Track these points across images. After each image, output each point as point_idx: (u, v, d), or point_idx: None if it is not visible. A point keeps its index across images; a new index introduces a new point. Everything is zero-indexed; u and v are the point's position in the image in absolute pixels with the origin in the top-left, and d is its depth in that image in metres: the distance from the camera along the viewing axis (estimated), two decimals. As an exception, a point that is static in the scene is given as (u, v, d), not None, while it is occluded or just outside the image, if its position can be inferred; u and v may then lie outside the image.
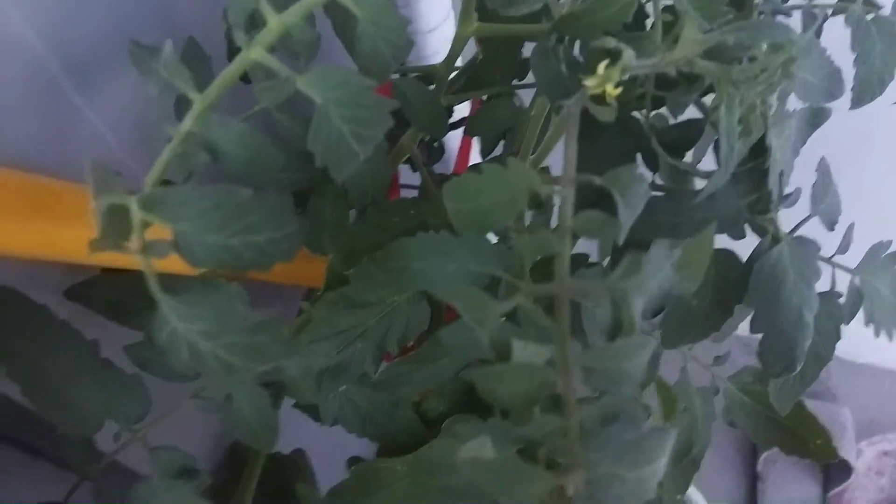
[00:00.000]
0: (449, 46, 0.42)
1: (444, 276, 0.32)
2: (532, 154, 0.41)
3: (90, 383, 0.33)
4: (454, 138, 0.65)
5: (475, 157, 0.63)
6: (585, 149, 0.33)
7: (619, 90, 0.27)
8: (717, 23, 0.32)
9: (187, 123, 0.22)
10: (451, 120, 0.56)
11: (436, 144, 0.62)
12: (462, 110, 0.59)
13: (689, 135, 0.32)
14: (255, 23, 0.24)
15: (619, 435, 0.21)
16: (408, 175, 0.58)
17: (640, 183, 0.25)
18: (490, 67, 0.47)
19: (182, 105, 0.41)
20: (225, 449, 0.55)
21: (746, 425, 0.58)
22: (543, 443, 0.20)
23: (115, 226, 0.23)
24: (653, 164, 0.34)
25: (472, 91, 0.49)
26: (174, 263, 0.24)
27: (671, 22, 0.33)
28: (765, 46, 0.31)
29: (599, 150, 0.33)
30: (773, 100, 0.30)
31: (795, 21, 0.41)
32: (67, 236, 0.28)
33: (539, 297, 0.22)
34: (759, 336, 0.35)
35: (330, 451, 0.49)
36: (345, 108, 0.24)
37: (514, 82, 0.48)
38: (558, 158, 0.37)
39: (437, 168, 0.67)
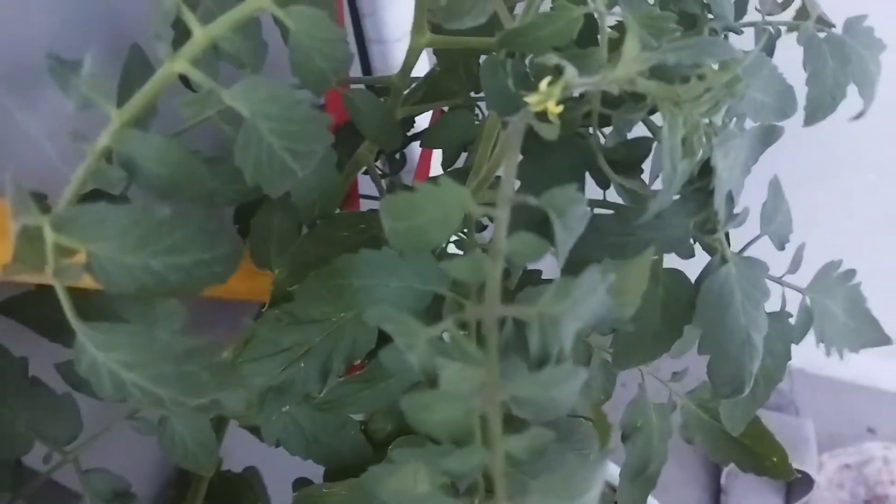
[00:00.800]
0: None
1: (387, 293, 0.32)
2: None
3: (18, 403, 0.31)
4: (417, 149, 0.64)
5: (437, 168, 0.62)
6: (532, 167, 0.33)
7: (561, 108, 0.27)
8: (664, 40, 0.32)
9: (103, 139, 0.21)
10: (413, 131, 0.55)
11: (397, 156, 0.62)
12: (425, 121, 0.59)
13: (637, 153, 0.32)
14: (183, 33, 0.23)
15: (549, 467, 0.20)
16: (370, 185, 0.58)
17: (578, 204, 0.25)
18: (447, 79, 0.47)
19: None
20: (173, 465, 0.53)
21: (704, 442, 0.58)
22: (469, 475, 0.20)
23: (31, 247, 0.22)
24: (602, 183, 0.34)
25: (429, 103, 0.48)
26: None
27: (619, 38, 0.33)
28: (713, 65, 0.31)
29: (546, 168, 0.33)
30: (720, 119, 0.30)
31: (749, 38, 0.42)
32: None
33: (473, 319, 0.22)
34: (710, 356, 0.35)
35: (287, 467, 0.48)
36: (274, 123, 0.23)
37: (472, 94, 0.47)
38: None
39: (402, 178, 0.66)
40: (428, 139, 0.48)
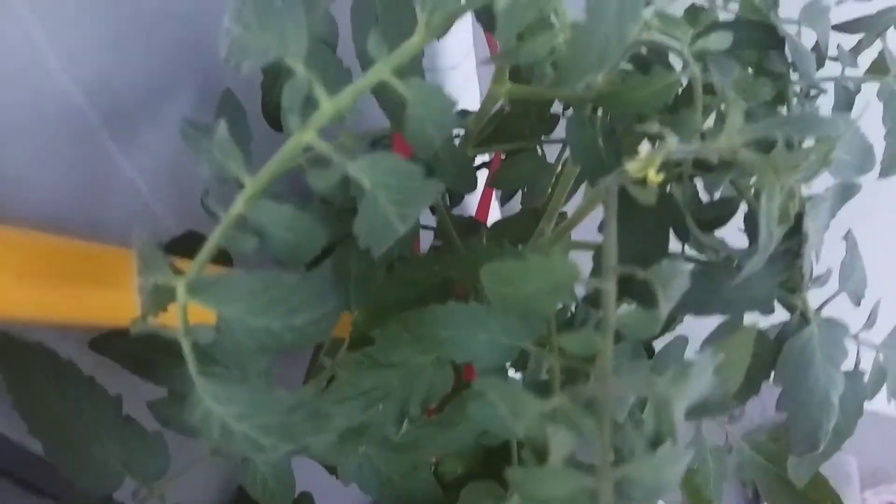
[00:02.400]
0: (470, 82, 0.42)
1: (474, 346, 0.32)
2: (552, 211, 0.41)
3: (112, 441, 0.33)
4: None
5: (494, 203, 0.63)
6: (618, 223, 0.33)
7: (662, 176, 0.27)
8: (756, 102, 0.33)
9: (237, 206, 0.22)
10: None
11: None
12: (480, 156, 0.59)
13: (724, 213, 0.32)
14: (306, 103, 0.24)
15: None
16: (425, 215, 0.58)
17: (682, 276, 0.25)
18: (517, 121, 0.47)
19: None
20: (235, 489, 0.54)
21: (758, 484, 0.57)
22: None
23: (158, 304, 0.23)
24: (683, 236, 0.34)
25: (498, 143, 0.49)
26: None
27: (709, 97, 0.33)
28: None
29: (633, 226, 0.33)
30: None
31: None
32: (102, 301, 0.28)
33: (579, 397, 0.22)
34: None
35: (336, 493, 0.48)
36: (392, 193, 0.24)
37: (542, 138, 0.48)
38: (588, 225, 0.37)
39: (456, 210, 0.67)
40: (498, 181, 0.49)
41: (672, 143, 0.27)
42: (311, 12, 0.41)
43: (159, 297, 0.23)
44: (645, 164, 0.27)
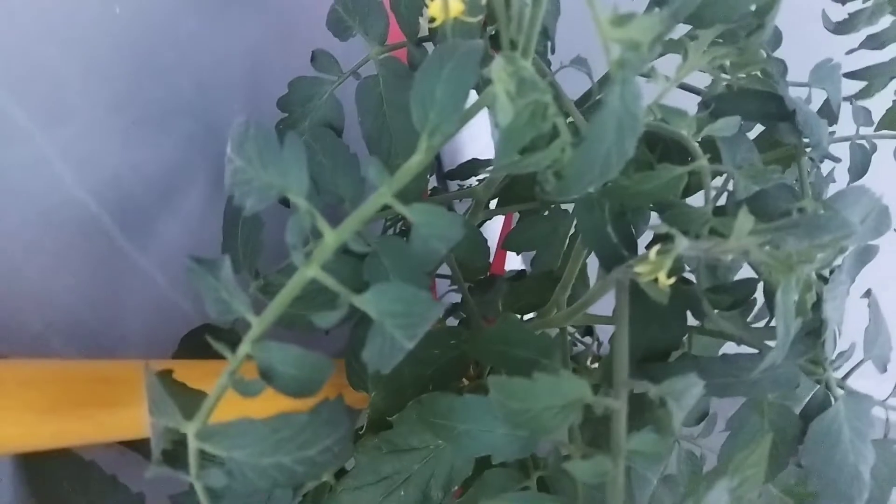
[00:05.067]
0: (482, 129, 0.42)
1: (491, 439, 0.32)
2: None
3: (136, 541, 0.33)
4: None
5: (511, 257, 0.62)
6: (633, 310, 0.33)
7: (673, 280, 0.27)
8: (766, 183, 0.32)
9: (244, 347, 0.22)
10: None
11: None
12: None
13: (741, 296, 0.32)
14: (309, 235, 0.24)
15: None
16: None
17: (696, 388, 0.25)
18: (527, 185, 0.47)
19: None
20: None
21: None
22: None
23: (169, 441, 0.23)
24: (700, 317, 0.34)
25: (510, 205, 0.49)
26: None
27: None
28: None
29: (648, 310, 0.33)
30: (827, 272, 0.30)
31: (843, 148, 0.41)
32: (122, 421, 0.29)
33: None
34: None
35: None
36: (399, 319, 0.24)
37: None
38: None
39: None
40: (510, 242, 0.48)
41: (682, 244, 0.27)
42: (316, 98, 0.41)
43: (171, 438, 0.23)
44: (655, 266, 0.27)
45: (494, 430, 0.32)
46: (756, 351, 0.34)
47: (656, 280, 0.28)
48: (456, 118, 0.25)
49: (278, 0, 0.47)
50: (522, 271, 0.59)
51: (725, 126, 0.31)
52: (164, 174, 0.40)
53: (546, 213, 0.52)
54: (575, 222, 0.49)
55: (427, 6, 0.27)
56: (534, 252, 0.55)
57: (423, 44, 0.42)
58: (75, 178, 0.33)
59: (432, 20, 0.27)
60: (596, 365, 0.65)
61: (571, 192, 0.26)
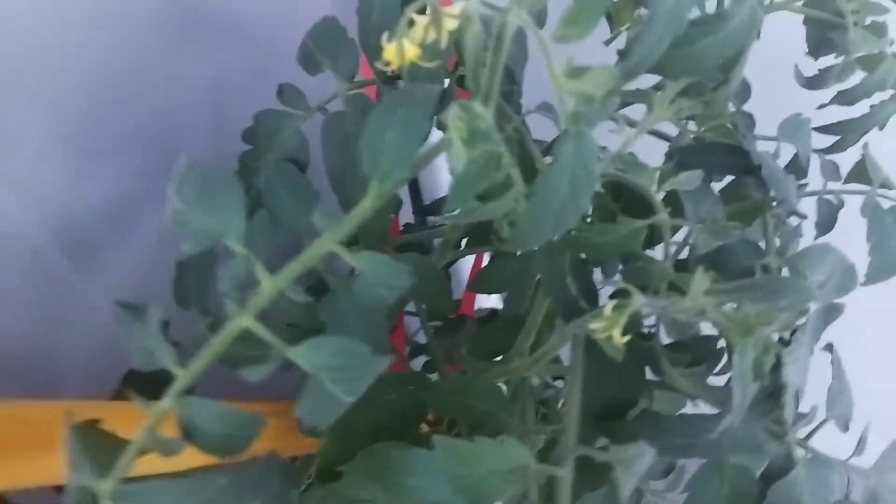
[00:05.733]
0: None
1: (441, 496, 0.31)
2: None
3: None
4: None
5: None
6: (590, 363, 0.32)
7: (628, 338, 0.26)
8: (728, 239, 0.32)
9: (164, 402, 0.21)
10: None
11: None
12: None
13: (702, 353, 0.31)
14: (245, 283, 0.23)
15: None
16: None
17: (646, 456, 0.24)
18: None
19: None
20: None
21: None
22: None
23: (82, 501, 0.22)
24: (659, 373, 0.33)
25: (479, 246, 0.48)
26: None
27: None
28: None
29: (605, 366, 0.32)
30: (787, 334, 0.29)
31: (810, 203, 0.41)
32: (47, 466, 0.27)
33: None
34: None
35: None
36: (337, 373, 0.23)
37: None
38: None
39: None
40: (478, 284, 0.47)
41: (638, 300, 0.26)
42: (282, 132, 0.41)
43: (85, 498, 0.21)
44: (610, 323, 0.26)
45: (443, 487, 0.31)
46: (716, 411, 0.33)
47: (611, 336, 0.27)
48: (407, 164, 0.24)
49: (250, 31, 0.46)
50: (495, 311, 0.58)
51: (687, 180, 0.30)
52: (119, 205, 0.38)
53: (517, 253, 0.51)
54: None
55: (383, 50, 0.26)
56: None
57: (393, 82, 0.41)
58: (21, 210, 0.32)
59: (387, 63, 0.26)
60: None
61: (526, 244, 0.25)
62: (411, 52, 0.25)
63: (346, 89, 0.40)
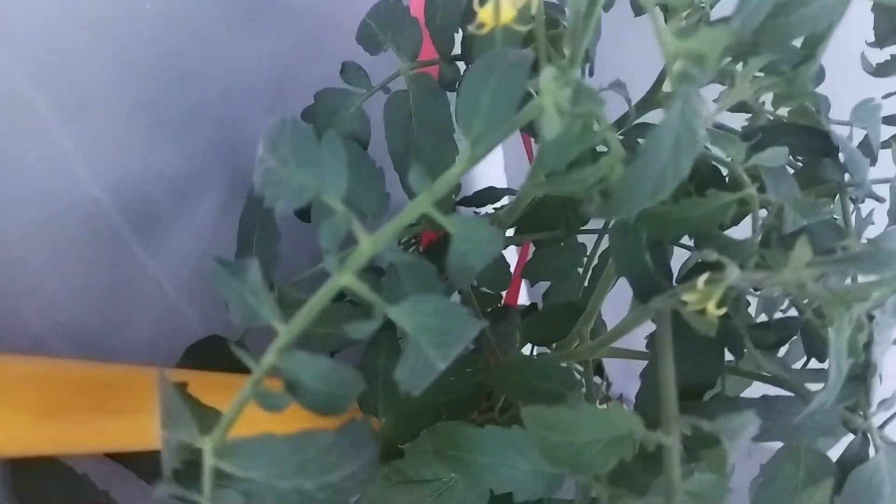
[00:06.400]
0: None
1: (515, 475, 0.30)
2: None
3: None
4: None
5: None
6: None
7: (724, 310, 0.25)
8: (814, 217, 0.31)
9: (270, 357, 0.21)
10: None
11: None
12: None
13: (784, 335, 0.30)
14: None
15: None
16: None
17: (752, 426, 0.23)
18: (552, 212, 0.46)
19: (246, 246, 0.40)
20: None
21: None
22: None
23: (182, 457, 0.22)
24: (738, 353, 0.32)
25: (530, 233, 0.47)
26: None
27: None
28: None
29: (685, 343, 0.31)
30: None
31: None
32: (125, 429, 0.27)
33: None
34: None
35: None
36: (435, 336, 0.22)
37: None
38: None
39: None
40: (529, 272, 0.47)
41: (733, 273, 0.25)
42: (342, 111, 0.40)
43: (184, 453, 0.21)
44: (704, 296, 0.25)
45: (518, 465, 0.30)
46: (790, 394, 0.32)
47: (703, 311, 0.26)
48: (502, 128, 0.24)
49: (308, 12, 0.46)
50: (534, 304, 0.58)
51: (774, 156, 0.30)
52: (181, 179, 0.38)
53: (562, 243, 0.50)
54: (598, 251, 0.48)
55: (475, 12, 0.26)
56: (540, 285, 0.54)
57: (455, 62, 0.41)
58: (91, 175, 0.32)
59: (481, 26, 0.25)
60: (605, 406, 0.63)
61: (620, 212, 0.24)
62: (508, 13, 0.25)
63: (409, 68, 0.40)
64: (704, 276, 0.26)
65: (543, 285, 0.53)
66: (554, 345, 0.45)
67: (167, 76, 0.36)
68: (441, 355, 0.23)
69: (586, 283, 0.47)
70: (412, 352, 0.22)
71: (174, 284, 0.39)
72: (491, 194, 0.53)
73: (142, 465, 0.35)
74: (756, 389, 0.35)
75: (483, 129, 0.24)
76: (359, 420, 0.23)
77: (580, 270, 0.50)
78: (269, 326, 0.30)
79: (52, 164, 0.30)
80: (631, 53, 0.48)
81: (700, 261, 0.28)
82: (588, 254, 0.47)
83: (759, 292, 0.30)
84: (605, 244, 0.46)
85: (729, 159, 0.30)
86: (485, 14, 0.25)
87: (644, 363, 0.32)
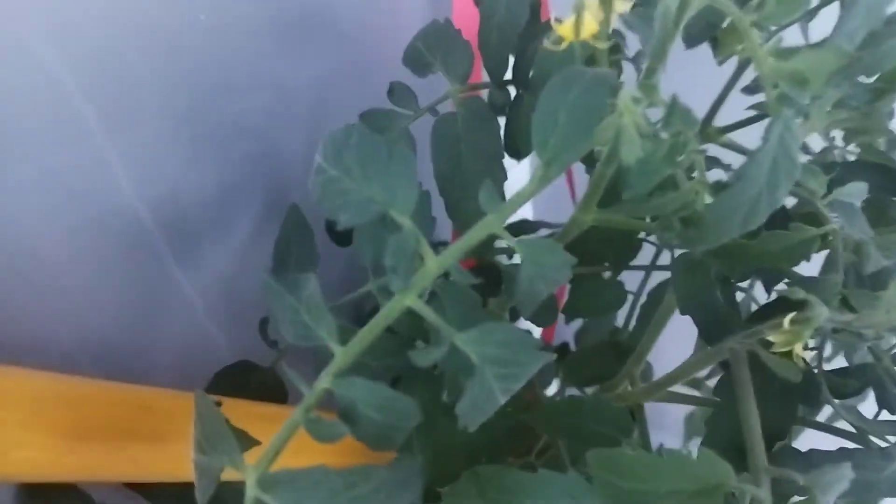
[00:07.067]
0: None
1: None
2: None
3: None
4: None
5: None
6: (731, 390, 0.29)
7: (813, 352, 0.23)
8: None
9: (324, 381, 0.19)
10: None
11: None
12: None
13: (863, 383, 0.28)
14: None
15: None
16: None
17: (843, 481, 0.21)
18: (598, 246, 0.44)
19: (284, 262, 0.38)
20: None
21: None
22: None
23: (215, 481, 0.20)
24: (813, 401, 0.30)
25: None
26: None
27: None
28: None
29: (757, 390, 0.29)
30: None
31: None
32: (160, 457, 0.25)
33: None
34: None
35: None
36: (501, 367, 0.21)
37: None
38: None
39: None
40: (569, 308, 0.45)
41: (822, 313, 0.23)
42: (388, 132, 0.39)
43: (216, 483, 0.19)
44: (793, 337, 0.23)
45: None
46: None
47: (785, 355, 0.24)
48: (580, 147, 0.22)
49: (355, 32, 0.45)
50: (566, 344, 0.55)
51: (854, 192, 0.28)
52: (220, 196, 0.37)
53: (604, 279, 0.48)
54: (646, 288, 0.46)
55: (549, 28, 0.25)
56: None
57: (507, 86, 0.40)
58: (133, 187, 0.31)
59: (558, 41, 0.24)
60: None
61: (705, 241, 0.23)
62: (591, 26, 0.24)
63: (458, 91, 0.39)
64: (790, 316, 0.24)
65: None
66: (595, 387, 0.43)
67: (213, 89, 0.35)
68: (503, 389, 0.21)
69: (633, 322, 0.45)
70: (476, 384, 0.20)
71: (205, 305, 0.37)
72: (525, 226, 0.52)
73: (162, 496, 0.33)
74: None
75: (559, 147, 0.22)
76: (407, 456, 0.21)
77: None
78: (302, 356, 0.28)
79: (95, 175, 0.28)
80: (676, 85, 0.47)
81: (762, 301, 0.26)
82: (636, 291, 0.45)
83: (835, 335, 0.28)
84: (653, 280, 0.44)
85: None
86: (564, 29, 0.24)
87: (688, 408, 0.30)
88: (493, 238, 0.42)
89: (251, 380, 0.35)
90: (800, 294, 0.24)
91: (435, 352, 0.19)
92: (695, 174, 0.24)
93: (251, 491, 0.18)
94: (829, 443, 0.30)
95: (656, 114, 0.24)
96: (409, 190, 0.20)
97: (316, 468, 0.18)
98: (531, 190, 0.23)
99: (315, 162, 0.23)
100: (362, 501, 0.19)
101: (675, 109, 0.20)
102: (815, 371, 0.28)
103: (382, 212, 0.20)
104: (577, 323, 0.55)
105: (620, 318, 0.48)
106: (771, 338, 0.23)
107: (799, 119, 0.32)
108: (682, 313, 0.30)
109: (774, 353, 0.24)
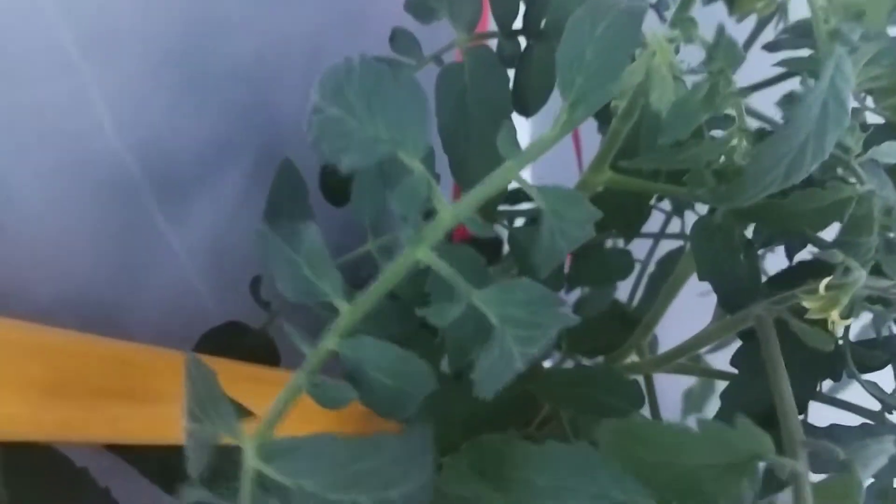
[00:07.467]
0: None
1: (579, 500, 0.26)
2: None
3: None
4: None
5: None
6: (756, 359, 0.28)
7: (850, 321, 0.22)
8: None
9: (330, 341, 0.17)
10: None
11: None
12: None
13: (891, 355, 0.27)
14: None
15: None
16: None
17: (884, 455, 0.19)
18: (609, 209, 0.42)
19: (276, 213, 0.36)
20: None
21: None
22: None
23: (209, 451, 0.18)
24: (836, 374, 0.28)
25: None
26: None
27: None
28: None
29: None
30: None
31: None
32: (142, 419, 0.23)
33: None
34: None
35: None
36: (521, 329, 0.19)
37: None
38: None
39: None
40: (575, 276, 0.43)
41: (860, 277, 0.22)
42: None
43: (214, 454, 0.17)
44: (828, 303, 0.21)
45: (584, 488, 0.26)
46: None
47: (818, 322, 0.22)
48: (609, 86, 0.20)
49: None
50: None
51: (891, 152, 0.26)
52: (209, 146, 0.34)
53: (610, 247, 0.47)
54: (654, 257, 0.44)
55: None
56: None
57: (516, 36, 0.37)
58: (116, 128, 0.28)
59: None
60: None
61: (743, 196, 0.21)
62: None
63: (465, 40, 0.36)
64: (825, 281, 0.22)
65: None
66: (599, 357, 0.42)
67: (200, 28, 0.32)
68: (523, 353, 0.20)
69: (639, 292, 0.43)
70: (494, 347, 0.19)
71: (192, 261, 0.35)
72: (523, 197, 0.50)
73: (148, 461, 0.31)
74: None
75: (586, 87, 0.20)
76: (419, 425, 0.19)
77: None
78: (294, 318, 0.26)
79: (76, 110, 0.26)
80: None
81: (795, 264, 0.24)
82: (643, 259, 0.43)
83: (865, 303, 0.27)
84: (661, 249, 0.42)
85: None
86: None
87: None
88: (497, 198, 0.40)
89: (241, 341, 0.33)
90: (838, 257, 0.22)
91: (454, 308, 0.17)
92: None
93: (250, 461, 0.17)
94: (825, 417, 0.28)
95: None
96: (419, 129, 0.18)
97: (323, 436, 0.16)
98: (554, 135, 0.21)
99: (311, 100, 0.20)
100: (372, 476, 0.17)
101: (720, 41, 0.18)
102: (841, 342, 0.27)
103: (390, 152, 0.18)
104: (575, 294, 0.53)
105: (623, 289, 0.47)
106: (806, 303, 0.22)
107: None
108: (701, 279, 0.28)
109: (806, 321, 0.23)
